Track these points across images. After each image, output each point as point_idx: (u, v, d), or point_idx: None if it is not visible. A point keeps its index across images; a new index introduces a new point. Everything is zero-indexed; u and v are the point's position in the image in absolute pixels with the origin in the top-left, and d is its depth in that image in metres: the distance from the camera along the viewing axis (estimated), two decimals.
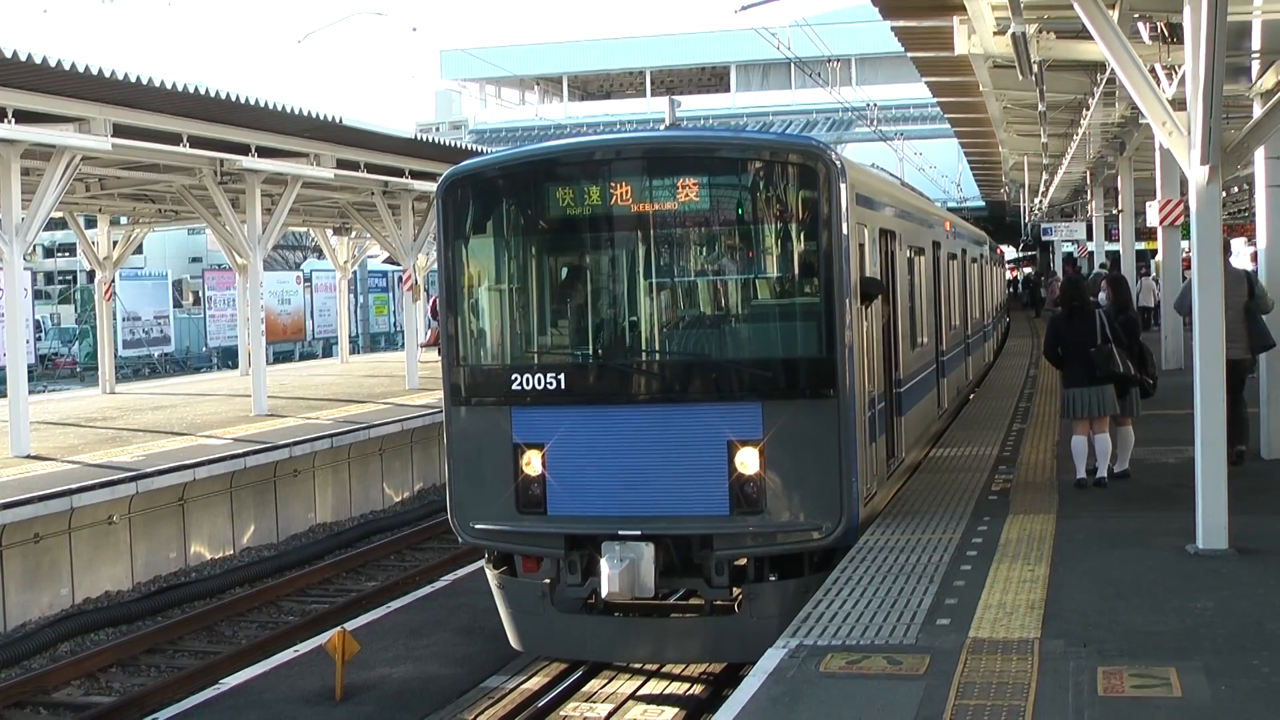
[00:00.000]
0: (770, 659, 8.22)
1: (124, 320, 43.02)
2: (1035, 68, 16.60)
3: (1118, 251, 24.89)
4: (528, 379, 11.19)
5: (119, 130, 19.19)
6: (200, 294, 52.55)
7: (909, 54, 21.46)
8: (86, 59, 17.00)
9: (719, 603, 11.04)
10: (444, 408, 11.70)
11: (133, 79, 17.84)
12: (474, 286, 11.80)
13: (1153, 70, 15.24)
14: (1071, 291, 13.78)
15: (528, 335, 11.88)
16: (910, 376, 14.49)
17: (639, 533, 10.81)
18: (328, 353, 50.46)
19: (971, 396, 22.95)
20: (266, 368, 25.71)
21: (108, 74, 17.38)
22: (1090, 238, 42.66)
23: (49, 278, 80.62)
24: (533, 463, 11.16)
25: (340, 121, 23.20)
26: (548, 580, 11.32)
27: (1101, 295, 14.34)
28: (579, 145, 12.08)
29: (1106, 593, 9.35)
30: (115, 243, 30.96)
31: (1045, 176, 40.69)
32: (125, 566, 17.31)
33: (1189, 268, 15.13)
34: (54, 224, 37.76)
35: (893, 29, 18.90)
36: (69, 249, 75.53)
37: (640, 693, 11.89)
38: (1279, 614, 8.65)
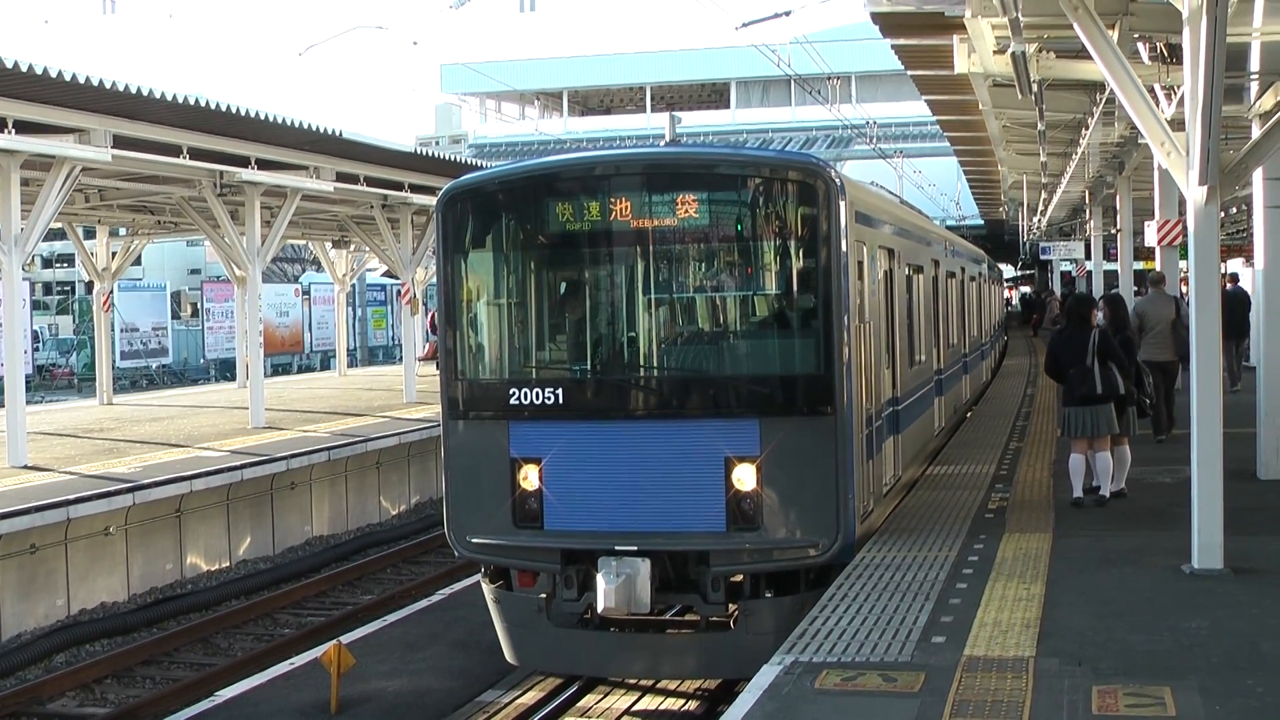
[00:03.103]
0: (765, 675, 8.22)
1: (122, 331, 43.04)
2: (1035, 87, 16.64)
3: (1146, 271, 24.90)
4: (525, 393, 11.20)
5: (119, 141, 19.21)
6: (199, 306, 52.56)
7: (909, 72, 21.51)
8: (87, 70, 17.03)
9: (715, 619, 11.04)
10: (442, 421, 11.70)
11: (133, 90, 17.87)
12: (473, 301, 11.81)
13: (1152, 90, 15.28)
14: (1075, 307, 13.80)
15: (526, 350, 11.89)
16: (908, 394, 14.51)
17: (635, 548, 10.80)
18: (325, 365, 50.44)
19: (969, 414, 22.97)
20: (264, 380, 25.71)
21: (108, 85, 17.40)
22: (1089, 257, 42.67)
23: (47, 288, 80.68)
24: (530, 477, 11.15)
25: (340, 135, 23.24)
26: (544, 595, 11.31)
27: (1099, 315, 14.34)
28: (579, 161, 12.10)
29: (1102, 611, 9.35)
30: (114, 254, 30.99)
31: (1044, 195, 40.71)
32: (121, 577, 17.30)
33: (1157, 285, 18.78)
34: (53, 234, 37.86)
35: (893, 47, 18.95)
36: (68, 259, 75.53)
37: (635, 708, 11.89)
38: (1273, 634, 8.66)
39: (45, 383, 47.18)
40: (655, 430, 11.06)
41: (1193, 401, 10.51)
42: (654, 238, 11.15)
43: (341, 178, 25.22)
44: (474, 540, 11.48)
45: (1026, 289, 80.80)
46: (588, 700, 12.08)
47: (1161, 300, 18.09)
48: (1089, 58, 11.61)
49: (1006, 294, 66.84)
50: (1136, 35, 15.01)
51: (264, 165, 22.91)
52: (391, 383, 33.44)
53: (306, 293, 52.32)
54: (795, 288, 11.28)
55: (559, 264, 11.90)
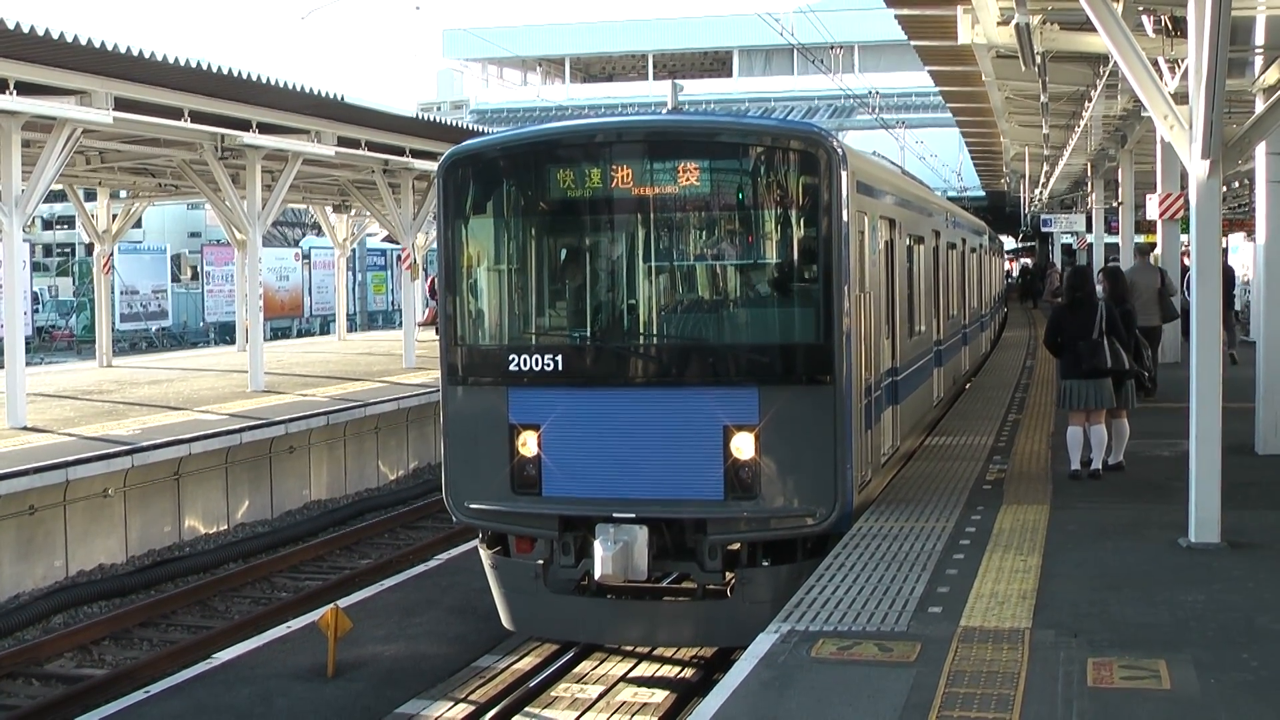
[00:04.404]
0: (761, 644, 8.24)
1: (122, 294, 42.99)
2: (1038, 59, 16.58)
3: (1151, 244, 25.04)
4: (525, 360, 11.20)
5: (120, 104, 19.17)
6: (199, 269, 52.50)
7: (912, 42, 21.43)
8: (89, 32, 17.01)
9: (711, 587, 11.06)
10: (441, 387, 11.70)
11: (135, 53, 17.81)
12: (473, 266, 11.79)
13: (1155, 63, 15.22)
14: (1076, 281, 13.78)
15: (525, 316, 11.86)
16: (907, 365, 14.51)
17: (633, 515, 10.82)
18: (325, 330, 50.43)
19: (968, 386, 22.98)
20: (264, 344, 25.71)
21: (110, 47, 17.35)
22: (1090, 230, 42.61)
23: (48, 250, 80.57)
24: (528, 443, 11.16)
25: (342, 99, 23.18)
26: (541, 561, 11.33)
27: (1099, 288, 14.33)
28: (580, 127, 12.06)
29: (1098, 584, 9.37)
30: (114, 216, 30.96)
31: (1046, 168, 40.64)
32: (119, 540, 17.34)
33: (1144, 254, 21.21)
34: (53, 196, 37.76)
35: (896, 17, 18.87)
36: (68, 221, 75.42)
37: (631, 675, 11.91)
38: (1269, 608, 8.68)
39: (45, 344, 47.13)
40: (654, 398, 11.06)
41: (1192, 376, 10.49)
42: (655, 205, 11.12)
43: (343, 142, 25.18)
44: (472, 506, 11.50)
45: (1027, 261, 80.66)
46: (584, 666, 12.10)
47: (1148, 269, 20.15)
48: (1093, 30, 11.56)
49: (1007, 266, 66.75)
50: (1141, 8, 14.97)
51: (265, 129, 22.87)
52: (391, 348, 33.44)
53: (306, 257, 52.26)
54: (796, 257, 11.26)
55: (560, 231, 11.88)
